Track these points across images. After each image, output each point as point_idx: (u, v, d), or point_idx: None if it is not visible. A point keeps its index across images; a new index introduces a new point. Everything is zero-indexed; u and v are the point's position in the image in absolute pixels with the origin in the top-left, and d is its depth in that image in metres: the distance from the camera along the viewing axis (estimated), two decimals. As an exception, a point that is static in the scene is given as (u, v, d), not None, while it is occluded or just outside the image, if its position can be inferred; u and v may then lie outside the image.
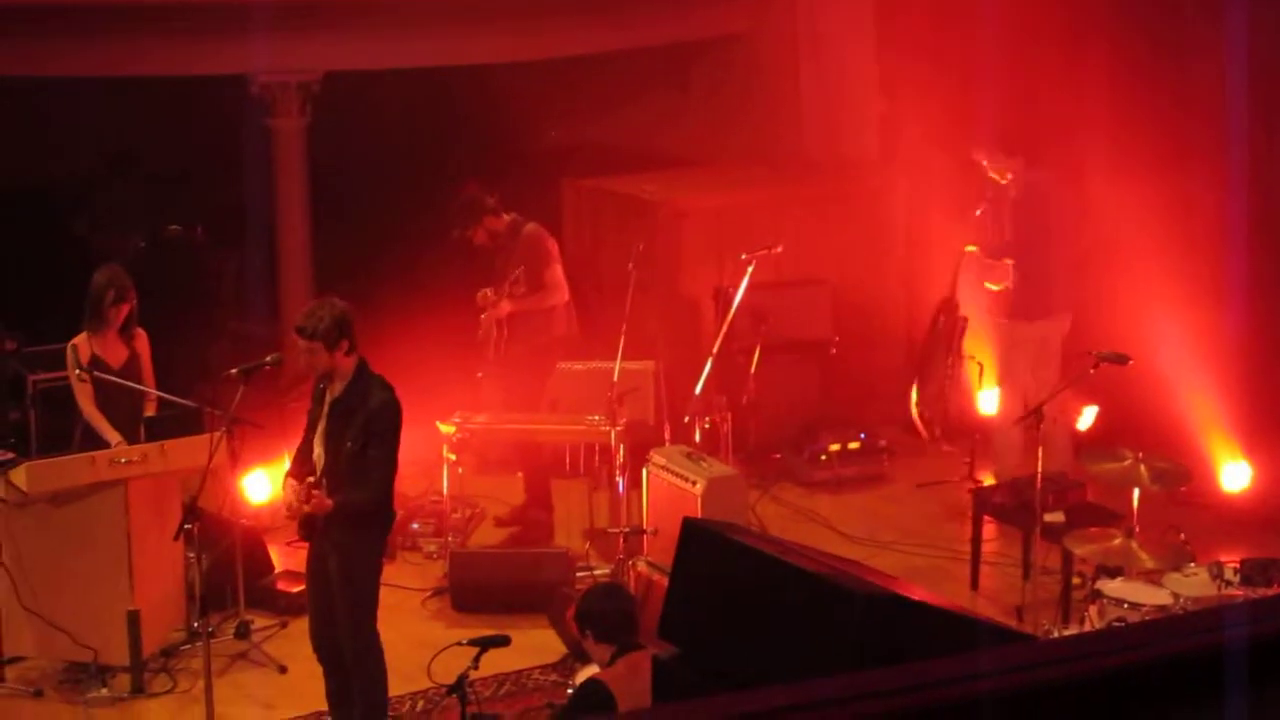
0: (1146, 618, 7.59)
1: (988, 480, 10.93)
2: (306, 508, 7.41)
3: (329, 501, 7.37)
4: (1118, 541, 8.08)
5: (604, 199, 13.08)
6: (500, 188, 10.67)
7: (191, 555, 8.79)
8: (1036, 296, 10.61)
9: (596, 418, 9.93)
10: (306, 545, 7.81)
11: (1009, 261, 10.54)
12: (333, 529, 7.51)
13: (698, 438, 10.23)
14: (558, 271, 10.52)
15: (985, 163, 10.70)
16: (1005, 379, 11.02)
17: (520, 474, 10.88)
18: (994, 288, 10.71)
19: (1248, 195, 10.76)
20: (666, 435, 10.21)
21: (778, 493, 11.45)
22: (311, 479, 7.46)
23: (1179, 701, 2.63)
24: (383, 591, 7.88)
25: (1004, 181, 10.61)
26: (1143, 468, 8.49)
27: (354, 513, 7.46)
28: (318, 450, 7.59)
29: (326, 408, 7.57)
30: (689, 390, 10.23)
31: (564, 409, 10.44)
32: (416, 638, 8.99)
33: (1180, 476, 8.83)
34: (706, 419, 10.41)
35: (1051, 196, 10.68)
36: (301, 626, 8.19)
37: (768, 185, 13.06)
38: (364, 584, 7.69)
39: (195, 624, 8.76)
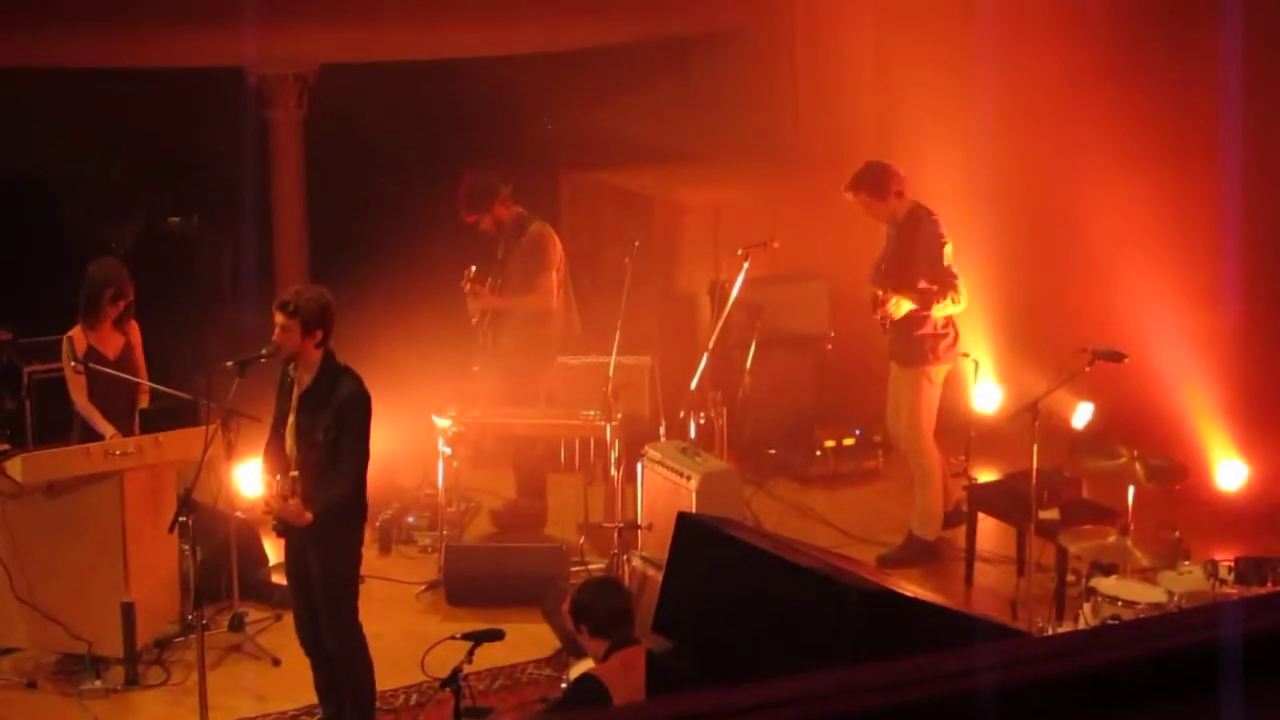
0: (1141, 615, 7.59)
1: (983, 476, 10.91)
2: (292, 501, 7.41)
3: (308, 515, 7.41)
4: (1112, 539, 8.08)
5: (601, 192, 13.06)
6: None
7: (186, 547, 8.77)
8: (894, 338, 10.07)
9: (592, 412, 9.92)
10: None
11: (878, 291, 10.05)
12: (309, 523, 7.52)
13: (693, 432, 10.22)
14: (550, 279, 10.44)
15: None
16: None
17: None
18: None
19: (1244, 192, 10.75)
20: (662, 430, 10.19)
21: (772, 488, 11.44)
22: (295, 473, 7.47)
23: (1173, 699, 2.62)
24: (377, 585, 7.88)
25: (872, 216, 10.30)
26: (1138, 465, 8.49)
27: (331, 507, 7.48)
28: (289, 443, 7.60)
29: (295, 400, 7.59)
30: (684, 385, 10.21)
31: (560, 403, 10.42)
32: (410, 631, 8.99)
33: (1175, 474, 8.83)
34: (702, 414, 10.39)
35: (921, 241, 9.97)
36: (296, 619, 8.19)
37: (765, 180, 13.04)
38: (343, 576, 7.71)
39: (189, 616, 8.74)
